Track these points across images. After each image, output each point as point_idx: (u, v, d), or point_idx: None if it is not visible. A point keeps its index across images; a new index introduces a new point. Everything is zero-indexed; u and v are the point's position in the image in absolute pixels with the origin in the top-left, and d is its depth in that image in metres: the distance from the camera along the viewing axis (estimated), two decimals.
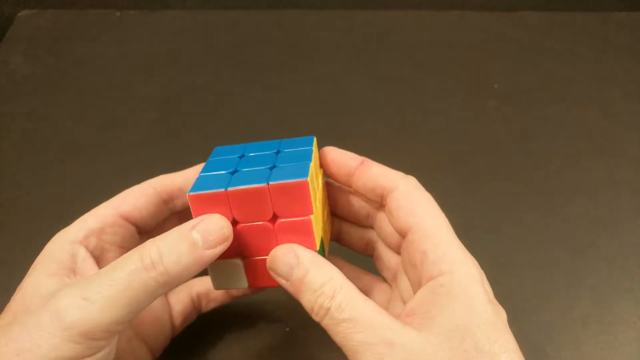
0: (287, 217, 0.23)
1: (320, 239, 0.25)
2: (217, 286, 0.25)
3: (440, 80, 0.49)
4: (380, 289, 0.29)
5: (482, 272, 0.24)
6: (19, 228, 0.39)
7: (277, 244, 0.23)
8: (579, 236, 0.38)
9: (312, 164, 0.24)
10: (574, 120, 0.46)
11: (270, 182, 0.22)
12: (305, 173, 0.22)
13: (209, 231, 0.22)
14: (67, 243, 0.24)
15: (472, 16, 0.56)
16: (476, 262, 0.24)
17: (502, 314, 0.23)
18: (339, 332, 0.21)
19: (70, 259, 0.24)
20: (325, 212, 0.27)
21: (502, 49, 0.52)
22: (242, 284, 0.25)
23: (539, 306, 0.34)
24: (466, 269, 0.23)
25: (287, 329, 0.32)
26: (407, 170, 0.43)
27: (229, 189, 0.22)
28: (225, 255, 0.24)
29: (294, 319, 0.33)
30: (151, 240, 0.22)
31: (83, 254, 0.24)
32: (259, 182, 0.22)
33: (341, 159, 0.27)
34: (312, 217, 0.23)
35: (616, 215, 0.39)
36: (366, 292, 0.28)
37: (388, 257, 0.28)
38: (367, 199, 0.27)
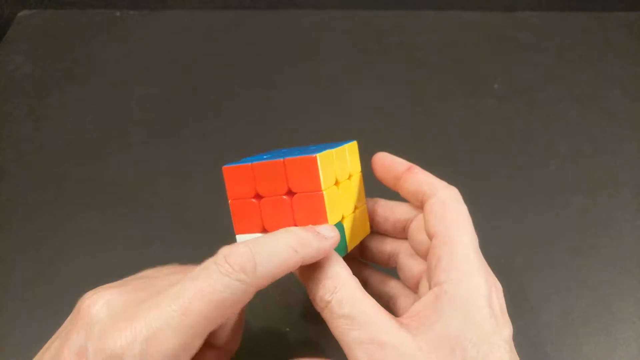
0: (301, 192, 0.25)
1: (337, 219, 0.26)
2: None
3: (440, 80, 0.49)
4: (406, 294, 0.29)
5: (495, 286, 0.24)
6: (19, 228, 0.39)
7: (294, 220, 0.25)
8: (579, 236, 0.38)
9: (334, 154, 0.26)
10: (574, 120, 0.46)
11: (286, 157, 0.24)
12: (318, 151, 0.24)
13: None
14: None
15: (472, 16, 0.56)
16: (491, 277, 0.24)
17: (505, 330, 0.23)
18: (337, 327, 0.22)
19: None
20: (358, 211, 0.28)
21: (502, 49, 0.52)
22: None
23: (539, 306, 0.34)
24: (473, 281, 0.23)
25: (287, 329, 0.32)
26: None
27: (254, 162, 0.25)
28: (249, 230, 0.26)
29: (294, 319, 0.33)
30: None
31: None
32: (278, 158, 0.25)
33: (390, 163, 0.28)
34: (325, 193, 0.24)
35: (616, 215, 0.39)
36: (391, 296, 0.29)
37: (410, 267, 0.28)
38: (408, 205, 0.29)
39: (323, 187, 0.24)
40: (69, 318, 0.22)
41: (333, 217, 0.25)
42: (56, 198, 0.40)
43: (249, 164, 0.25)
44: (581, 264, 0.36)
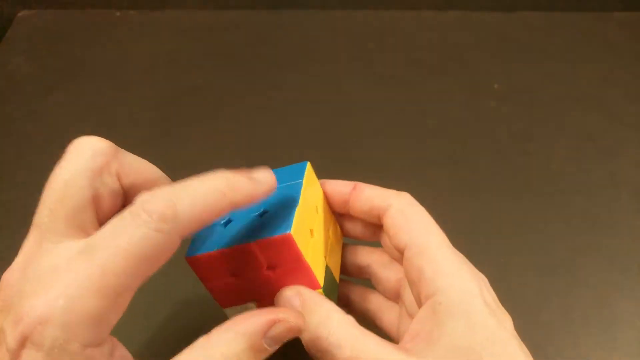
0: (282, 266, 0.23)
1: (324, 270, 0.24)
2: None
3: (440, 80, 0.49)
4: (390, 307, 0.28)
5: (482, 279, 0.23)
6: (19, 228, 0.38)
7: (282, 288, 0.24)
8: (579, 236, 0.38)
9: (303, 193, 0.24)
10: (574, 120, 0.46)
11: (257, 239, 0.22)
12: (288, 224, 0.22)
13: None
14: None
15: (472, 16, 0.56)
16: (474, 271, 0.23)
17: (507, 322, 0.22)
18: None
19: None
20: (331, 232, 0.27)
21: (502, 49, 0.52)
22: None
23: (539, 306, 0.34)
24: (463, 283, 0.22)
25: None
26: (407, 170, 0.43)
27: (220, 249, 0.22)
28: (239, 301, 0.24)
29: None
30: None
31: None
32: (247, 240, 0.22)
33: (334, 188, 0.27)
34: (307, 259, 0.23)
35: (616, 215, 0.39)
36: (376, 312, 0.28)
37: (387, 277, 0.27)
38: (367, 222, 0.27)
39: (306, 259, 0.23)
40: None
41: (319, 275, 0.24)
42: None
43: (215, 251, 0.22)
44: (581, 264, 0.36)
